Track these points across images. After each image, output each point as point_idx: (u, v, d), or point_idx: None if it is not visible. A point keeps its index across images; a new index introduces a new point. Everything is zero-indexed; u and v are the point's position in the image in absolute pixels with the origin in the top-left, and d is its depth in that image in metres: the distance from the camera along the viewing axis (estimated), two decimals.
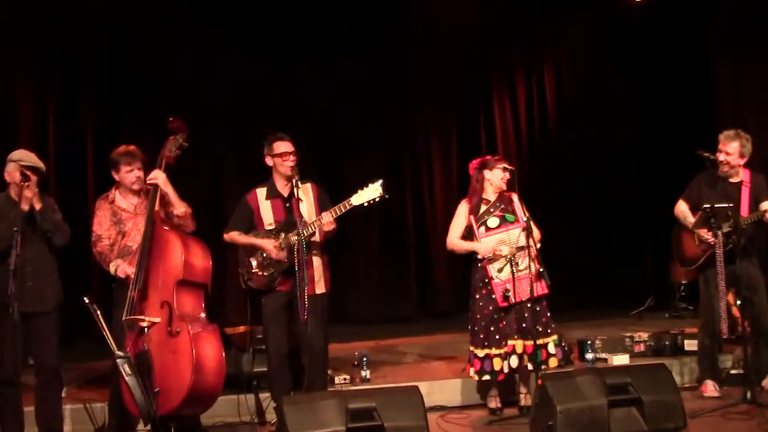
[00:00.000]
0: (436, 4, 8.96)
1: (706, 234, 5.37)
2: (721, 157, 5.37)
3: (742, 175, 5.44)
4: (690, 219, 5.53)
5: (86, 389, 5.72)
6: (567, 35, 9.76)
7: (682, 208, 5.61)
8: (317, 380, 4.87)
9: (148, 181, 4.80)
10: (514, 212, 5.24)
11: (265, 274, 4.91)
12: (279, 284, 4.91)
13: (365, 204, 4.68)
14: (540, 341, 5.10)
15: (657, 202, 5.78)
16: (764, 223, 5.30)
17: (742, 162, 5.41)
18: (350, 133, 8.94)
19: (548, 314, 5.21)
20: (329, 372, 5.55)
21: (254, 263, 4.93)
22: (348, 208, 4.72)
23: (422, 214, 9.44)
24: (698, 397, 5.44)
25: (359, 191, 4.69)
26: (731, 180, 5.43)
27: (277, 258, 4.85)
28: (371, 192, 4.63)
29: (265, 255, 4.90)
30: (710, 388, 5.48)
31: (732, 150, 5.36)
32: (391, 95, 9.00)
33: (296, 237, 4.73)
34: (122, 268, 4.74)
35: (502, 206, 5.27)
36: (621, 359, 5.99)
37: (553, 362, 5.17)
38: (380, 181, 4.63)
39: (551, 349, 5.17)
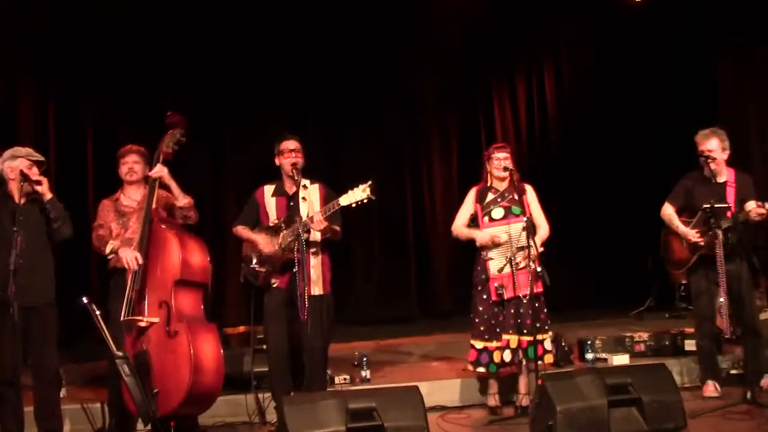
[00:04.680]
0: (436, 3, 8.96)
1: (694, 236, 5.37)
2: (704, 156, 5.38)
3: (727, 176, 5.45)
4: (676, 222, 5.51)
5: (86, 389, 5.72)
6: (567, 35, 9.75)
7: (668, 211, 5.58)
8: (316, 381, 4.86)
9: (152, 176, 4.80)
10: (522, 204, 5.20)
11: (262, 270, 4.91)
12: (275, 281, 4.91)
13: (353, 205, 4.64)
14: (537, 337, 5.08)
15: (657, 202, 5.77)
16: (749, 224, 5.29)
17: (725, 156, 5.41)
18: (350, 133, 8.94)
19: (545, 311, 5.19)
20: (329, 372, 5.56)
21: (254, 260, 4.96)
22: (335, 208, 4.70)
23: (422, 214, 9.43)
24: (698, 397, 5.44)
25: (348, 192, 4.66)
26: (717, 180, 5.43)
27: (268, 252, 4.86)
28: (359, 193, 4.60)
29: (263, 252, 4.91)
30: (710, 388, 5.47)
31: (712, 146, 5.38)
32: (391, 95, 9.00)
33: (292, 235, 4.75)
34: (122, 251, 4.68)
35: (510, 197, 5.23)
36: (621, 359, 5.99)
37: (548, 358, 5.18)
38: (368, 183, 4.60)
39: (547, 345, 5.17)
